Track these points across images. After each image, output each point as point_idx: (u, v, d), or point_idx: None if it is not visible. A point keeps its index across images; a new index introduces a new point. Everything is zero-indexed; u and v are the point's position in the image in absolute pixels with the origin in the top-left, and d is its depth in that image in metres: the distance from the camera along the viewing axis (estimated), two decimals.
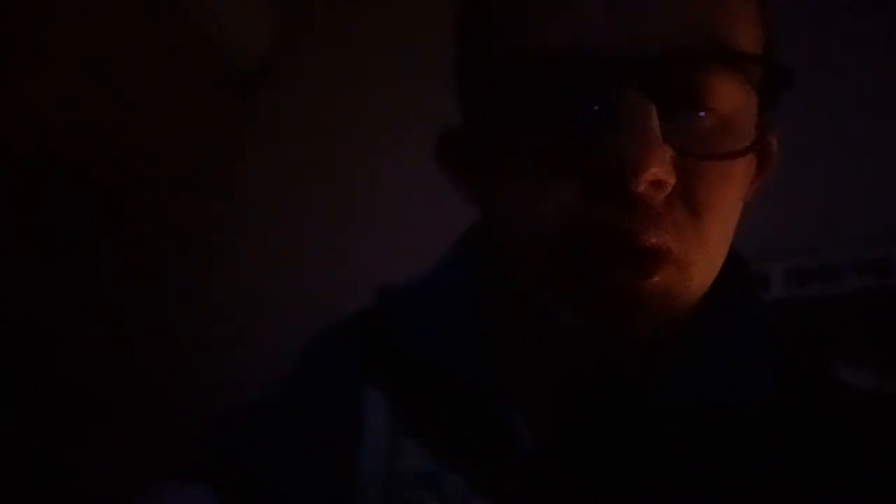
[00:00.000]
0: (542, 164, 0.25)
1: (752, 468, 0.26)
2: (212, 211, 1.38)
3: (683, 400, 0.27)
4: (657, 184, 0.22)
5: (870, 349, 0.81)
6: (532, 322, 0.28)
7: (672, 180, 0.23)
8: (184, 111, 1.32)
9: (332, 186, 1.26)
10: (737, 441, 0.26)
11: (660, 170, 0.22)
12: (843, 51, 0.90)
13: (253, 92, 1.39)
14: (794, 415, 0.27)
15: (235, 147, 1.39)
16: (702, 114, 0.24)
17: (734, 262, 0.29)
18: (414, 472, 0.31)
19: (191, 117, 1.36)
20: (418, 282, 0.36)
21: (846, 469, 0.26)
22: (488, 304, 0.31)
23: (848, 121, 0.89)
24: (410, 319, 0.33)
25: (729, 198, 0.25)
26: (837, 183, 0.89)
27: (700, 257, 0.25)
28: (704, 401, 0.27)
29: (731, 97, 0.24)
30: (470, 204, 0.32)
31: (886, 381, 0.30)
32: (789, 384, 0.28)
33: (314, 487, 0.31)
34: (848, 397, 0.29)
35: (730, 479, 0.26)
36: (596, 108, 0.23)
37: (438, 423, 0.32)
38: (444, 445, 0.31)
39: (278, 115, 1.37)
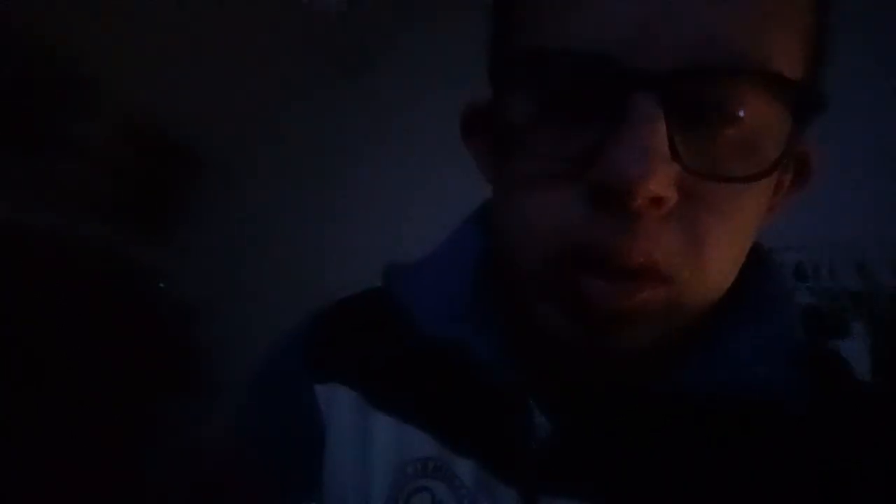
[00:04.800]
0: (547, 167, 0.23)
1: (752, 470, 0.25)
2: (322, 179, 1.60)
3: (691, 392, 0.25)
4: (656, 200, 0.21)
5: None
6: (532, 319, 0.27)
7: (673, 197, 0.22)
8: (296, 93, 1.55)
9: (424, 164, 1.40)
10: (742, 436, 0.25)
11: (658, 187, 0.21)
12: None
13: (359, 74, 1.58)
14: (821, 413, 0.26)
15: (344, 123, 1.59)
16: (724, 130, 0.22)
17: (756, 259, 0.27)
18: (422, 459, 0.30)
19: (303, 97, 1.58)
20: (428, 259, 0.35)
21: (868, 468, 0.25)
22: (501, 283, 0.30)
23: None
24: (421, 297, 0.32)
25: (737, 220, 0.23)
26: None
27: (694, 278, 0.23)
28: (713, 394, 0.25)
29: (757, 115, 0.22)
30: (488, 181, 0.30)
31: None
32: (817, 383, 0.26)
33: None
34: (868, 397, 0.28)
35: (726, 473, 0.25)
36: (605, 114, 0.22)
37: (446, 407, 0.30)
38: (452, 430, 0.30)
39: (382, 96, 1.58)
